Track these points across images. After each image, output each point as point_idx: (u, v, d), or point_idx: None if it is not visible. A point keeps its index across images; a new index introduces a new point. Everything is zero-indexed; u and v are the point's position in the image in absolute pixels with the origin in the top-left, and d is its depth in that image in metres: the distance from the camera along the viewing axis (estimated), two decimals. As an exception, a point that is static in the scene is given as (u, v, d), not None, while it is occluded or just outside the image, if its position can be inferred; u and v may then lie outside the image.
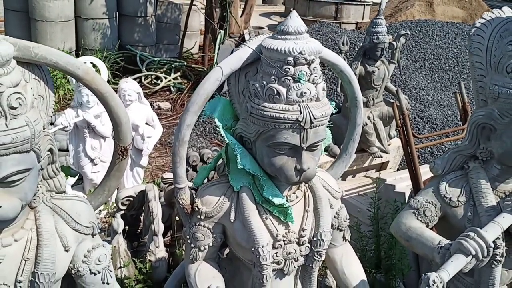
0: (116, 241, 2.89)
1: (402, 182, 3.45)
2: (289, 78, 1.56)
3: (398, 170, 4.42)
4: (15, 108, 1.28)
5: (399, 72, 5.00)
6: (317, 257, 1.81)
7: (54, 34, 6.92)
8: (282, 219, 1.74)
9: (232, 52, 6.01)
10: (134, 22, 7.59)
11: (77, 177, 4.00)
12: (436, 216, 1.98)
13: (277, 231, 1.73)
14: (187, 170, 4.47)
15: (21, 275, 1.45)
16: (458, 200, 1.94)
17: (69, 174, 4.13)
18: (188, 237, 1.81)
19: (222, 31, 6.46)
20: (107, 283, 1.63)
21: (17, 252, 1.45)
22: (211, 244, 1.80)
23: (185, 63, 7.50)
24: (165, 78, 7.07)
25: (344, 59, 3.73)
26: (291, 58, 1.55)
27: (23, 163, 1.31)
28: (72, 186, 4.02)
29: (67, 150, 4.86)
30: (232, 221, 1.74)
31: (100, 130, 3.86)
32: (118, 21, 7.54)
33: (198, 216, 1.77)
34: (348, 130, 2.07)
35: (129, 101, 3.95)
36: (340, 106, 3.99)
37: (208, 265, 1.83)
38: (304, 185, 1.82)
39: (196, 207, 1.77)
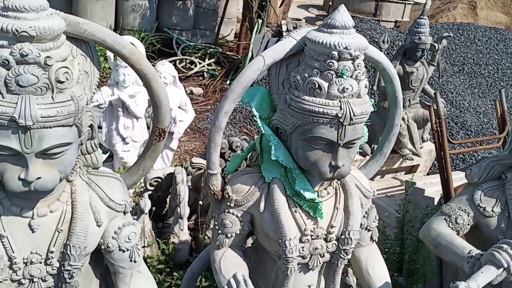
0: (142, 220, 2.93)
1: (431, 187, 3.39)
2: (332, 72, 1.54)
3: (427, 174, 4.35)
4: (62, 82, 1.29)
5: (437, 75, 4.90)
6: (343, 255, 1.79)
7: (95, 11, 7.00)
8: (311, 214, 1.73)
9: (267, 42, 6.00)
10: (173, 5, 7.62)
11: (107, 154, 4.05)
12: (468, 224, 1.94)
13: (306, 225, 1.73)
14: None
15: (54, 246, 1.48)
16: (492, 211, 1.90)
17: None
18: (216, 223, 1.82)
19: (260, 20, 6.44)
20: (135, 261, 1.65)
21: (51, 223, 1.48)
22: (238, 232, 1.80)
23: (220, 50, 7.51)
24: (199, 63, 7.09)
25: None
26: (335, 52, 1.52)
27: (65, 137, 1.33)
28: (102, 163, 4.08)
29: (99, 127, 4.95)
30: (261, 211, 1.74)
31: (133, 110, 3.90)
32: (157, 3, 7.59)
33: (228, 204, 1.77)
34: (385, 130, 2.04)
35: (164, 84, 3.98)
36: (375, 105, 3.93)
37: (233, 252, 1.84)
38: (336, 182, 1.80)
39: (226, 194, 1.77)
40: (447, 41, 4.12)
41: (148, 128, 4.15)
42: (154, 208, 3.34)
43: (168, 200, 3.55)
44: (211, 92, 6.45)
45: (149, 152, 1.69)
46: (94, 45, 1.49)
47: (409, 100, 3.82)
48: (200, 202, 3.31)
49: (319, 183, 1.75)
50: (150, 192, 3.63)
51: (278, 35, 6.50)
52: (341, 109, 1.53)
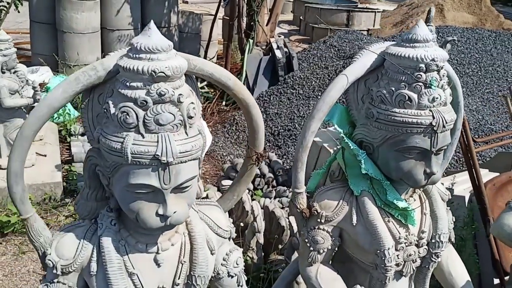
0: None
1: (459, 186, 3.50)
2: (421, 84, 1.61)
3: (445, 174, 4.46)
4: (191, 118, 1.33)
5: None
6: (434, 259, 1.85)
7: (82, 45, 6.97)
8: (403, 222, 1.79)
9: (259, 61, 6.11)
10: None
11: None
12: (540, 217, 2.02)
13: (399, 233, 1.78)
14: (233, 177, 4.52)
15: (179, 278, 1.49)
16: (561, 201, 1.99)
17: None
18: (306, 240, 1.85)
19: (251, 40, 6.54)
20: (241, 286, 1.67)
21: (174, 256, 1.49)
22: (329, 247, 1.84)
23: (210, 72, 7.54)
24: (192, 87, 7.11)
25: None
26: (423, 65, 1.60)
27: (195, 170, 1.36)
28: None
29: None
30: (354, 224, 1.78)
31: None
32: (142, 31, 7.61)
33: (318, 220, 1.81)
34: (448, 135, 2.11)
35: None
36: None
37: (326, 267, 1.87)
38: (419, 189, 1.86)
39: (315, 211, 1.81)
40: (451, 44, 4.28)
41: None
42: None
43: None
44: (209, 115, 6.47)
45: (244, 177, 1.72)
46: (195, 78, 1.52)
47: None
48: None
49: (405, 192, 1.81)
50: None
51: (269, 53, 6.60)
52: (434, 118, 1.60)
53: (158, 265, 1.47)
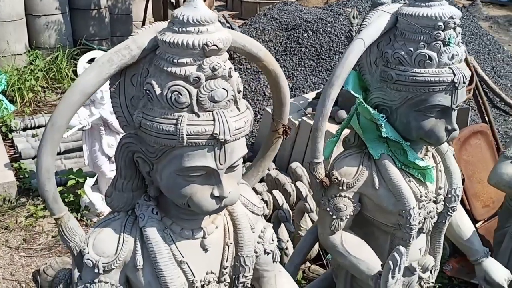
0: None
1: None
2: (440, 42, 1.63)
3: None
4: (240, 92, 1.26)
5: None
6: (451, 213, 1.91)
7: (7, 34, 6.44)
8: (422, 180, 1.82)
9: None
10: (88, 15, 7.23)
11: (95, 177, 3.83)
12: (532, 163, 2.15)
13: (420, 192, 1.81)
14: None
15: (226, 261, 1.44)
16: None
17: (85, 176, 3.95)
18: (328, 209, 1.84)
19: (192, 17, 6.33)
20: (276, 262, 1.64)
21: (219, 239, 1.43)
22: (352, 214, 1.85)
23: (148, 54, 7.28)
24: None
25: (356, 32, 3.85)
26: (441, 23, 1.61)
27: (245, 147, 1.29)
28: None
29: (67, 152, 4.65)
30: (376, 188, 1.79)
31: (116, 126, 3.71)
32: (71, 15, 7.17)
33: (340, 188, 1.80)
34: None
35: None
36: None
37: (349, 233, 1.88)
38: (432, 148, 1.90)
39: (335, 180, 1.80)
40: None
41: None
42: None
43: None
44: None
45: (269, 152, 1.67)
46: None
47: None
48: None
49: (419, 151, 1.84)
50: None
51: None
52: (455, 75, 1.63)
53: (205, 250, 1.41)
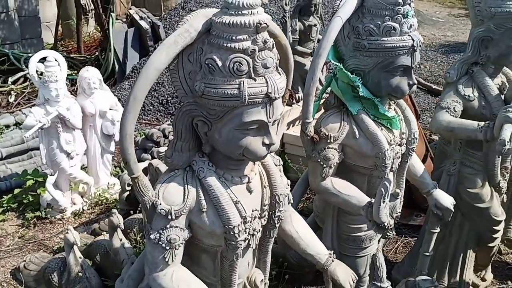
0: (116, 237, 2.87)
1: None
2: (400, 15, 2.07)
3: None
4: (278, 60, 1.60)
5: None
6: (411, 153, 2.39)
7: None
8: (390, 127, 2.27)
9: (125, 33, 6.12)
10: (-4, 18, 7.00)
11: (55, 175, 3.89)
12: (460, 110, 2.69)
13: (390, 137, 2.26)
14: (151, 148, 4.61)
15: (266, 200, 1.77)
16: (473, 95, 2.68)
17: (42, 176, 3.99)
18: (319, 160, 2.23)
19: (113, 14, 6.40)
20: (290, 203, 1.97)
21: (258, 183, 1.77)
22: (338, 161, 2.25)
23: (65, 55, 7.20)
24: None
25: (288, 18, 4.28)
26: (401, 0, 2.06)
27: (282, 106, 1.64)
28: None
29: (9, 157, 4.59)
30: (357, 138, 2.21)
31: (73, 122, 3.83)
32: (-23, 19, 6.88)
33: (328, 141, 2.20)
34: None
35: (94, 89, 3.98)
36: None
37: (336, 178, 2.28)
38: (393, 102, 2.36)
39: (324, 135, 2.20)
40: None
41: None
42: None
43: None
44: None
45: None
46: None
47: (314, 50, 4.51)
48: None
49: (385, 105, 2.29)
50: (128, 193, 3.69)
51: (132, 24, 6.57)
52: (413, 40, 2.09)
53: (250, 192, 1.74)
